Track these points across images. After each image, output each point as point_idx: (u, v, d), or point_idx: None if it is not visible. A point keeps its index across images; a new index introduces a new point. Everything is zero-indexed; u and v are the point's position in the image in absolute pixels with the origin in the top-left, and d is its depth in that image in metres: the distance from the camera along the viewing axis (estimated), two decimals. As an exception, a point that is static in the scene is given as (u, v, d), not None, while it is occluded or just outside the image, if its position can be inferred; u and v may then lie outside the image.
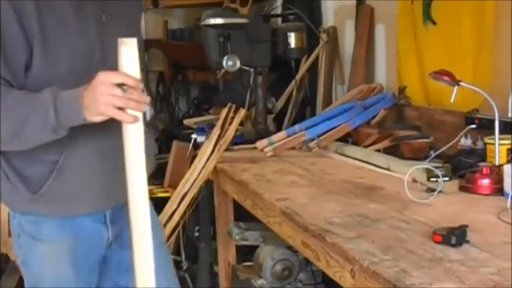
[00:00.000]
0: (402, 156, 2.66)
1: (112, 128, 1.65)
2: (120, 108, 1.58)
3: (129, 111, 1.59)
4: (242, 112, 3.12)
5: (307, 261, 2.78)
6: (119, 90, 1.57)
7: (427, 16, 3.01)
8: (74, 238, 1.90)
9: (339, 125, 2.98)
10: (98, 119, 1.63)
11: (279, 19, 4.29)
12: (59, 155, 1.81)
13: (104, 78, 1.58)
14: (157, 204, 2.47)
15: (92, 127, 1.69)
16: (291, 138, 3.03)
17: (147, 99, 1.62)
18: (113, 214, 1.96)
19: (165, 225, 2.96)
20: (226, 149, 3.07)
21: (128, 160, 1.60)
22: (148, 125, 1.90)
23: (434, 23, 2.98)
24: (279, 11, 4.41)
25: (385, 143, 2.84)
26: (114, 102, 1.57)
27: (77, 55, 1.78)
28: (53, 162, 1.82)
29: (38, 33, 1.70)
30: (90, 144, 1.84)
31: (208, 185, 3.16)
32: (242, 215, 2.98)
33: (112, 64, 1.63)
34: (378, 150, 2.83)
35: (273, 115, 3.90)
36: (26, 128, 1.67)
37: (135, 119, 1.58)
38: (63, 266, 1.90)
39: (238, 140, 3.26)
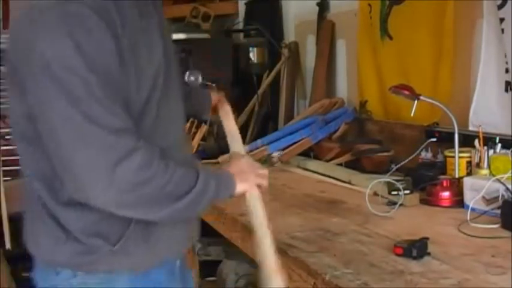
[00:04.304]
0: (363, 170, 2.68)
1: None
2: None
3: None
4: (204, 127, 3.11)
5: (270, 276, 2.77)
6: (266, 170, 1.64)
7: (384, 31, 3.04)
8: None
9: (301, 140, 2.99)
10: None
11: (241, 34, 4.31)
12: None
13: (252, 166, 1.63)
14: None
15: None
16: (253, 153, 3.03)
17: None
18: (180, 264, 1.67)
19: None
20: (188, 164, 3.05)
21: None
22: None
23: (390, 37, 3.02)
24: (240, 26, 4.42)
25: (347, 157, 2.85)
26: (262, 182, 1.61)
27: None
28: None
29: (134, 70, 1.35)
30: None
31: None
32: (204, 230, 2.95)
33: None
34: (340, 164, 2.85)
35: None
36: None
37: None
38: None
39: (201, 155, 3.25)
